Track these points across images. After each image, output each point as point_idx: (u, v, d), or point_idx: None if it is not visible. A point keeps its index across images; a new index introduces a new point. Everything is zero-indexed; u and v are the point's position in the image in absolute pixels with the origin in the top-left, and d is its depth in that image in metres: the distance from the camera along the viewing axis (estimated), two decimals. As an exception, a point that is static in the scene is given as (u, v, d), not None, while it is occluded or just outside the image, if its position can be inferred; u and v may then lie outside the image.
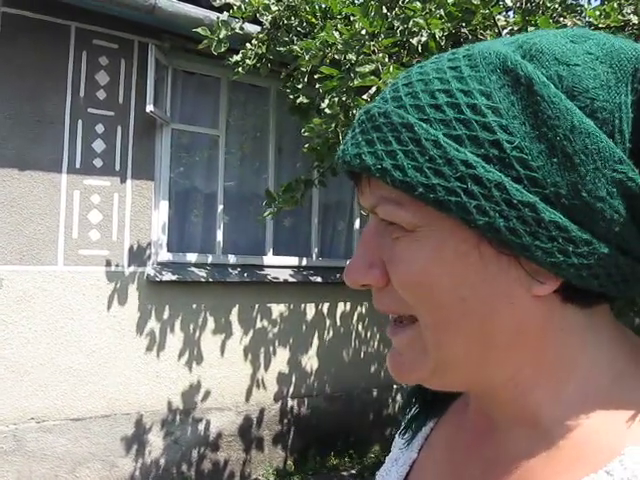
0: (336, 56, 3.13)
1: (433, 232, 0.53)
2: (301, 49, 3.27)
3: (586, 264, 0.51)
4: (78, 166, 4.44)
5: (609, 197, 0.50)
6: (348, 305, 5.67)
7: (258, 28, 4.02)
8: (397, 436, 0.78)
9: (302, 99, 3.85)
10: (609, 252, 0.51)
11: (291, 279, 5.29)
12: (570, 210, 0.50)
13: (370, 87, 3.02)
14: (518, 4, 3.87)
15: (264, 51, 3.81)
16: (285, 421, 5.31)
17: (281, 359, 5.31)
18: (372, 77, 2.79)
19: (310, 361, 5.45)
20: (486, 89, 0.51)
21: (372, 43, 2.97)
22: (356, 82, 2.85)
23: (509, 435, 0.58)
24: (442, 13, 3.05)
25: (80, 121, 4.45)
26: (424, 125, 0.51)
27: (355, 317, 5.71)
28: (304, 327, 5.43)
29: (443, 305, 0.54)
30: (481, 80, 0.52)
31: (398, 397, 5.94)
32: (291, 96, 3.92)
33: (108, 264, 4.54)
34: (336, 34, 3.02)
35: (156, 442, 4.71)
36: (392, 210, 0.54)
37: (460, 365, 0.56)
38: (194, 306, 4.89)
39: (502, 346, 0.55)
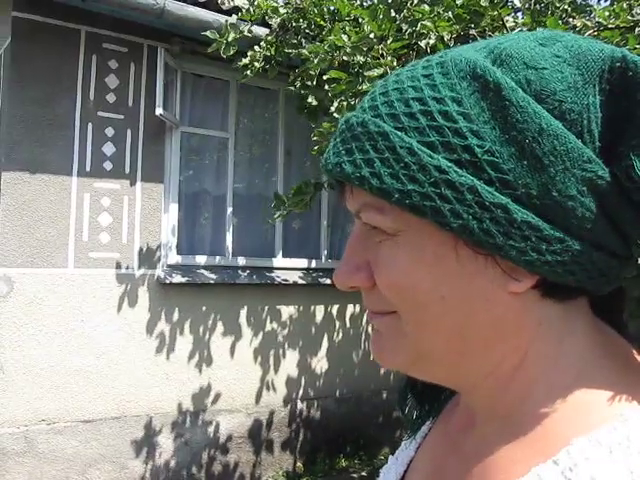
0: (344, 58, 3.13)
1: (412, 236, 0.55)
2: (310, 52, 3.27)
3: (560, 261, 0.52)
4: (88, 169, 4.46)
5: (580, 195, 0.52)
6: (357, 307, 5.67)
7: (266, 31, 4.03)
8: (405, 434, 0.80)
9: (311, 100, 3.85)
10: (583, 248, 0.53)
11: (300, 281, 5.29)
12: (542, 209, 0.52)
13: (379, 90, 3.01)
14: (527, 5, 3.85)
15: (272, 53, 3.82)
16: (295, 423, 5.31)
17: (291, 361, 5.31)
18: (381, 81, 2.79)
19: (320, 363, 5.45)
20: (457, 96, 0.53)
21: (380, 46, 2.97)
22: (364, 87, 2.85)
23: (486, 429, 0.60)
24: (450, 15, 3.05)
25: (90, 124, 4.47)
26: (399, 133, 0.53)
27: (364, 319, 5.71)
28: (313, 329, 5.43)
29: (424, 304, 0.56)
30: (452, 87, 0.53)
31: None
32: (300, 92, 3.92)
33: (118, 266, 4.56)
34: (344, 37, 3.02)
35: (166, 444, 4.72)
36: (373, 216, 0.57)
37: (440, 358, 0.59)
38: (204, 308, 4.90)
39: (481, 342, 0.57)
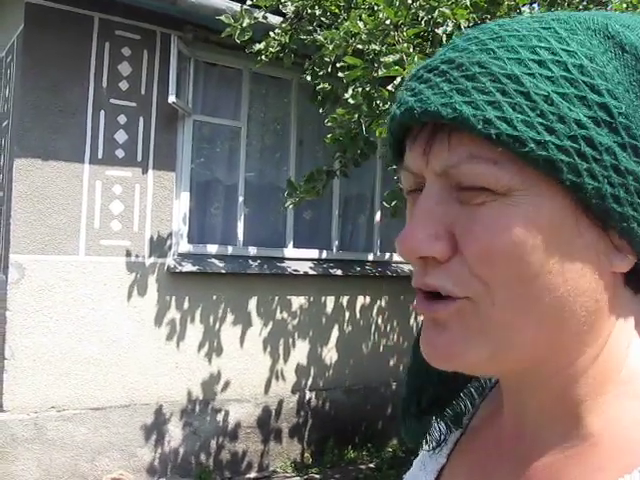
0: (360, 46, 3.11)
1: (529, 197, 0.48)
2: (325, 38, 3.24)
3: None
4: (100, 157, 4.45)
5: None
6: (368, 298, 5.65)
7: (281, 19, 4.00)
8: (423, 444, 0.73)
9: (324, 86, 3.82)
10: None
11: (311, 272, 5.28)
12: None
13: (394, 78, 2.99)
14: (544, -5, 3.82)
15: (287, 41, 3.79)
16: (303, 413, 5.31)
17: (300, 351, 5.30)
18: (396, 67, 2.76)
19: (329, 354, 5.44)
20: (589, 52, 0.48)
21: (396, 33, 2.95)
22: (381, 72, 2.83)
23: (543, 432, 0.54)
24: (467, 3, 3.01)
25: (102, 112, 4.46)
26: (530, 79, 0.47)
27: (375, 310, 5.70)
28: (324, 320, 5.42)
29: (525, 279, 0.48)
30: (582, 43, 0.48)
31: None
32: (314, 82, 3.89)
33: (129, 254, 4.55)
34: (360, 24, 2.99)
35: (175, 432, 4.73)
36: (484, 169, 0.48)
37: (524, 350, 0.51)
38: (214, 297, 4.90)
39: (574, 329, 0.50)
